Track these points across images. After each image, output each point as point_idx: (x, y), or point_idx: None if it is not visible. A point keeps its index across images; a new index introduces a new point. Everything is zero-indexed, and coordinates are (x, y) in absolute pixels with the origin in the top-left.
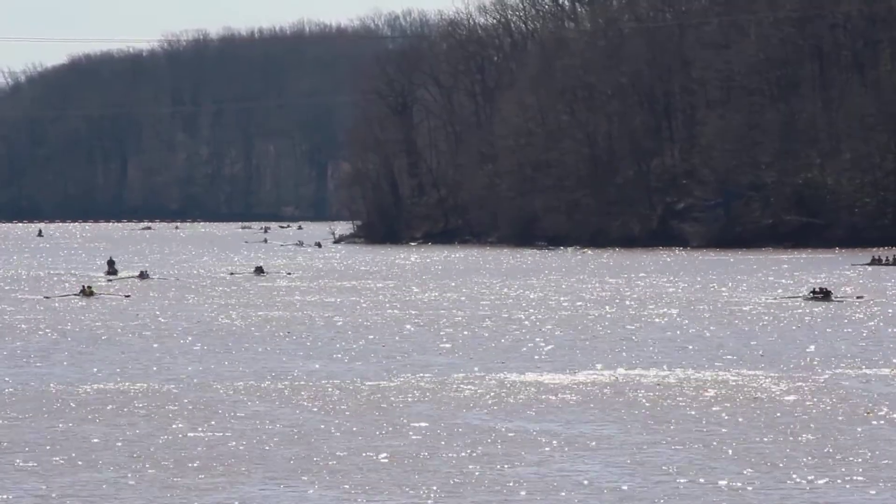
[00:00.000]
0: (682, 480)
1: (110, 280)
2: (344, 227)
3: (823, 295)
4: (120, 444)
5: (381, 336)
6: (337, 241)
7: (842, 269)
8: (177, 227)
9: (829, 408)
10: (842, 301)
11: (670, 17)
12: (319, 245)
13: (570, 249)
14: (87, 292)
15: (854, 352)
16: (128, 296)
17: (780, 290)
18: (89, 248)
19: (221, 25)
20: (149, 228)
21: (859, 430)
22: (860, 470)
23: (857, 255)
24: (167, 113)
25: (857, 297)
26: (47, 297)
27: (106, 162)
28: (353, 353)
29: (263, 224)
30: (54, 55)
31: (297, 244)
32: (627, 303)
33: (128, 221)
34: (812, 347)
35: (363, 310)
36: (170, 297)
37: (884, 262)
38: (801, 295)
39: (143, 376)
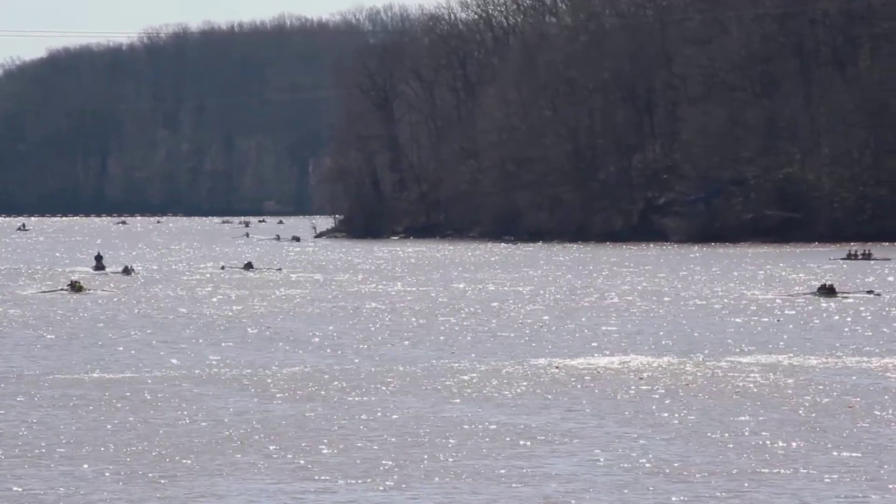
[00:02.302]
0: (662, 475)
1: (98, 275)
2: (325, 222)
3: (829, 291)
4: (98, 434)
5: (357, 329)
6: (318, 236)
7: (818, 263)
8: (158, 222)
9: (815, 399)
10: (847, 297)
11: (651, 12)
12: (297, 239)
13: (536, 244)
14: (76, 287)
15: (848, 345)
16: (115, 290)
17: (774, 287)
18: (70, 242)
19: (202, 20)
20: (123, 223)
21: (842, 422)
22: (840, 462)
23: (835, 250)
24: (148, 108)
25: (868, 292)
26: (62, 289)
27: (86, 157)
28: (331, 347)
29: (242, 219)
30: (32, 49)
31: (274, 239)
32: (610, 297)
33: (108, 216)
34: (808, 341)
35: (340, 303)
36: (155, 293)
37: (859, 256)
38: (809, 291)
39: (122, 369)
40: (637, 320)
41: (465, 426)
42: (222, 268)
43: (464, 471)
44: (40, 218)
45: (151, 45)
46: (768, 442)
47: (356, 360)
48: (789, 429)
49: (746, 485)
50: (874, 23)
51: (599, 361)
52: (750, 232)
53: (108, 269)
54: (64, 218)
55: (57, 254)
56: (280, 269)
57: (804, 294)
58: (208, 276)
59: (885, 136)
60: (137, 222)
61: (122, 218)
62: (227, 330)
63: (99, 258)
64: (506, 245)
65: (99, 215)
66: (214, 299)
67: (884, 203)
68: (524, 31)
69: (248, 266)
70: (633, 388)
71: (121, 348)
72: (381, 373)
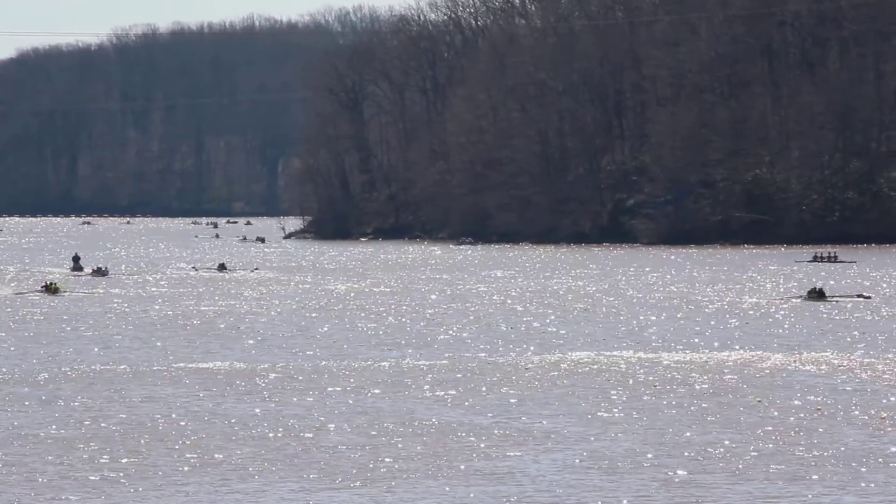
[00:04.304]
0: (631, 472)
1: (75, 275)
2: (294, 223)
3: (818, 295)
4: (60, 431)
5: (322, 328)
6: (287, 237)
7: (785, 265)
8: (128, 223)
9: (783, 400)
10: (835, 301)
11: (621, 14)
12: (262, 240)
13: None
14: (51, 289)
15: (824, 347)
16: (89, 291)
17: (760, 291)
18: (42, 243)
19: (171, 20)
20: (88, 224)
21: (807, 423)
22: (804, 462)
23: (802, 253)
24: (117, 108)
25: (857, 295)
26: (37, 290)
27: (56, 157)
28: (299, 345)
29: (210, 220)
30: (2, 49)
31: (241, 239)
32: (592, 296)
33: (77, 217)
34: (781, 343)
35: (306, 303)
36: (126, 293)
37: (825, 259)
38: (798, 296)
39: (87, 368)
40: (610, 321)
41: (431, 424)
42: (195, 269)
43: (428, 469)
44: (8, 218)
45: (121, 46)
46: (729, 443)
47: (321, 358)
48: (755, 431)
49: (708, 483)
50: (843, 25)
51: (571, 359)
52: (718, 234)
53: (85, 270)
54: (32, 218)
55: (28, 257)
56: (256, 269)
57: (793, 298)
58: (179, 276)
59: (854, 138)
60: (102, 223)
61: (87, 219)
62: (193, 329)
63: (76, 259)
64: (466, 247)
65: (68, 216)
66: (182, 299)
67: (852, 205)
68: (493, 32)
69: (222, 267)
70: (604, 387)
71: (88, 345)
72: (345, 371)
